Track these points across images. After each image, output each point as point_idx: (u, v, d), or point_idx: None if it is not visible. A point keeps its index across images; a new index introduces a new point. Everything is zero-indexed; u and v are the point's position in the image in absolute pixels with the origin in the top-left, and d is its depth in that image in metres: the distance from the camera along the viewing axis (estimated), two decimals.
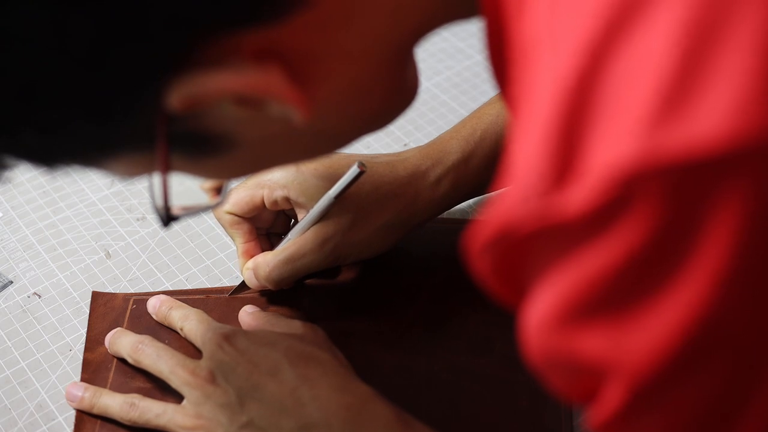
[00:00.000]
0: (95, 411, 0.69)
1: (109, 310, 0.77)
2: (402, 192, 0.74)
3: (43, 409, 0.72)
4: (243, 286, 0.78)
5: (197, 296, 0.78)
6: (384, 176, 0.74)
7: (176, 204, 0.50)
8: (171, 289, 0.80)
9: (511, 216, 0.36)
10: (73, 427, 0.70)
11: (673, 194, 0.33)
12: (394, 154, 0.77)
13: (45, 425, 0.71)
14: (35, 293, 0.80)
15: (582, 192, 0.34)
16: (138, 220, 0.86)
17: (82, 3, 0.38)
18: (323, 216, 0.73)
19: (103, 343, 0.74)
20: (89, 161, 0.47)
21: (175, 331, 0.74)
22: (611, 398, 0.39)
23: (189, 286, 0.80)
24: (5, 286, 0.81)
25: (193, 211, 0.53)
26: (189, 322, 0.72)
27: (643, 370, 0.37)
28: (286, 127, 0.45)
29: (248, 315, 0.74)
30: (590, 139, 0.34)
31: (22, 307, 0.79)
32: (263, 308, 0.76)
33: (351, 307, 0.77)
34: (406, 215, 0.75)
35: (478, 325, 0.75)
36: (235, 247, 0.83)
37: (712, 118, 0.32)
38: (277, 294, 0.78)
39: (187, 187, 0.51)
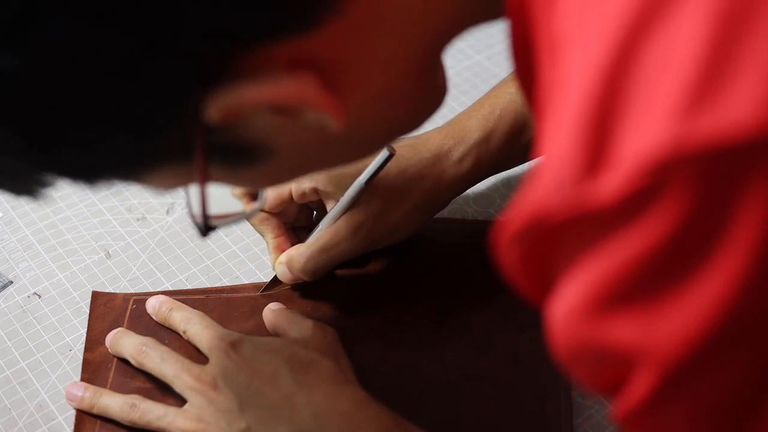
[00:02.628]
0: (95, 411, 0.69)
1: (109, 310, 0.77)
2: (428, 173, 0.75)
3: (43, 409, 0.72)
4: (275, 281, 0.78)
5: (197, 296, 0.78)
6: (408, 159, 0.75)
7: (210, 212, 0.51)
8: (171, 289, 0.80)
9: (543, 205, 0.37)
10: (73, 427, 0.70)
11: (704, 182, 0.33)
12: (414, 137, 0.78)
13: (45, 425, 0.71)
14: (35, 293, 0.80)
15: (614, 180, 0.34)
16: (138, 220, 0.86)
17: (120, 19, 0.38)
18: (354, 203, 0.74)
19: (103, 343, 0.74)
20: (129, 176, 0.47)
21: (176, 332, 0.74)
22: (639, 386, 0.39)
23: (189, 286, 0.80)
24: (5, 286, 0.81)
25: (232, 219, 0.54)
26: (193, 325, 0.72)
27: (673, 357, 0.37)
28: (321, 134, 0.46)
29: (271, 312, 0.74)
30: (622, 128, 0.35)
31: (22, 307, 0.79)
32: (257, 310, 0.76)
33: (351, 308, 0.77)
34: (433, 195, 0.76)
35: (479, 325, 0.75)
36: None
37: (742, 106, 0.32)
38: (277, 297, 0.78)
39: (218, 195, 0.51)
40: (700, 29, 0.34)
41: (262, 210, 0.76)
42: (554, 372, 0.71)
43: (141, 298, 0.78)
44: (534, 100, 0.43)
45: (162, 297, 0.76)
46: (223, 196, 0.52)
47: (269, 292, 0.78)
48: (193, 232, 0.84)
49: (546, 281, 0.40)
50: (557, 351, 0.42)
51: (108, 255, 0.83)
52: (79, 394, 0.70)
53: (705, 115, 0.33)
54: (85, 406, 0.70)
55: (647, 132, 0.34)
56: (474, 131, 0.77)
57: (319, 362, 0.68)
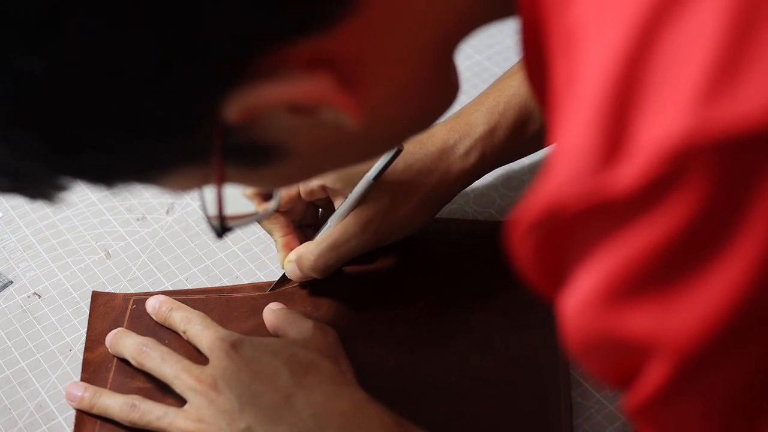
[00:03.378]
0: (95, 411, 0.70)
1: (109, 310, 0.77)
2: (434, 167, 0.76)
3: (43, 409, 0.72)
4: (283, 280, 0.78)
5: (197, 296, 0.78)
6: (414, 153, 0.76)
7: (213, 213, 0.51)
8: (171, 289, 0.80)
9: (559, 195, 0.37)
10: (73, 427, 0.70)
11: (721, 171, 0.34)
12: None
13: (45, 425, 0.71)
14: (35, 293, 0.80)
15: (632, 169, 0.35)
16: (138, 220, 0.86)
17: (143, 22, 0.38)
18: (362, 199, 0.74)
19: (104, 343, 0.74)
20: (147, 178, 0.48)
21: (176, 332, 0.74)
22: (653, 378, 0.39)
23: (189, 286, 0.80)
24: (5, 286, 0.81)
25: (247, 220, 0.55)
26: (193, 326, 0.72)
27: (688, 348, 0.37)
28: (338, 134, 0.46)
29: (271, 312, 0.74)
30: (640, 117, 0.35)
31: (22, 307, 0.79)
32: (257, 310, 0.76)
33: (351, 309, 0.77)
34: (440, 189, 0.77)
35: (479, 325, 0.75)
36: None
37: (760, 95, 0.33)
38: (276, 297, 0.78)
39: (230, 196, 0.51)
40: (718, 19, 0.34)
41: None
42: (554, 372, 0.71)
43: (141, 298, 0.78)
44: (547, 94, 0.43)
45: (162, 297, 0.76)
46: (235, 197, 0.52)
47: (276, 291, 0.78)
48: (193, 231, 0.84)
49: (559, 274, 0.40)
50: (570, 343, 0.42)
51: (108, 255, 0.83)
52: (79, 394, 0.70)
53: (723, 104, 0.33)
54: (84, 406, 0.70)
55: (665, 121, 0.34)
56: (479, 125, 0.77)
57: (319, 363, 0.68)
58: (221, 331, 0.71)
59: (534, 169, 0.88)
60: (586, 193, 0.36)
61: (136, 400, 0.69)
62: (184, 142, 0.44)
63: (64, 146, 0.43)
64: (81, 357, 0.74)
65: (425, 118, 0.53)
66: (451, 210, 0.83)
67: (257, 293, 0.79)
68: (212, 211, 0.51)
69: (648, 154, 0.34)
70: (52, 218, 0.86)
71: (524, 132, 0.78)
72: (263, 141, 0.45)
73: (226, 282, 0.81)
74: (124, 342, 0.72)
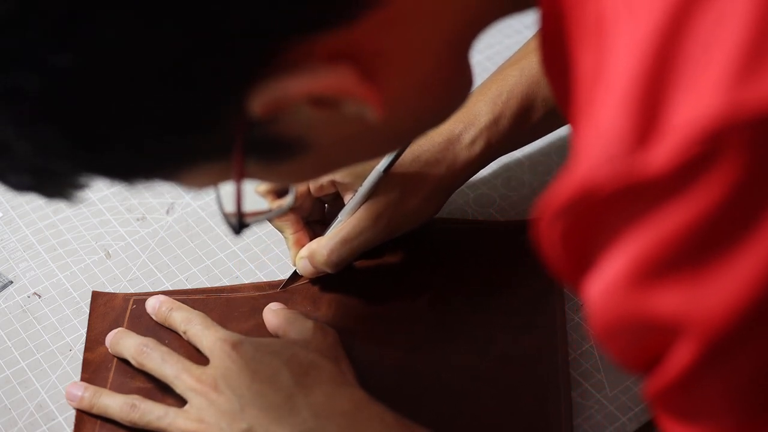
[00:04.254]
0: (95, 411, 0.69)
1: (109, 310, 0.77)
2: (441, 157, 0.77)
3: (43, 409, 0.72)
4: (294, 277, 0.78)
5: (197, 296, 0.78)
6: (421, 145, 0.77)
7: (230, 210, 0.51)
8: (171, 289, 0.80)
9: (593, 177, 0.37)
10: (73, 427, 0.70)
11: (754, 150, 0.34)
12: None
13: (45, 425, 0.71)
14: (35, 293, 0.80)
15: (666, 149, 0.35)
16: (138, 220, 0.86)
17: (169, 16, 0.39)
18: (372, 192, 0.74)
19: (104, 343, 0.74)
20: (167, 174, 0.48)
21: (176, 332, 0.74)
22: (681, 357, 0.40)
23: (189, 286, 0.80)
24: (5, 286, 0.81)
25: (265, 216, 0.55)
26: (193, 326, 0.72)
27: (716, 326, 0.38)
28: (359, 127, 0.46)
29: (271, 312, 0.74)
30: (673, 99, 0.36)
31: (22, 307, 0.79)
32: (257, 310, 0.76)
33: (351, 308, 0.77)
34: (447, 180, 0.77)
35: (478, 326, 0.75)
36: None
37: None
38: (276, 297, 0.78)
39: (244, 193, 0.51)
40: (749, 1, 0.34)
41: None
42: (554, 372, 0.71)
43: (141, 298, 0.78)
44: (571, 81, 0.43)
45: (162, 297, 0.76)
46: (248, 194, 0.52)
47: (276, 291, 0.78)
48: (193, 231, 0.84)
49: (585, 259, 0.41)
50: (595, 327, 0.42)
51: (108, 255, 0.83)
52: (79, 393, 0.70)
53: (755, 84, 0.33)
54: (84, 406, 0.70)
55: (698, 102, 0.34)
56: (483, 114, 0.78)
57: (320, 363, 0.68)
58: (222, 332, 0.71)
59: (534, 169, 0.88)
60: (620, 174, 0.36)
61: (136, 400, 0.69)
62: (208, 138, 0.44)
63: (88, 142, 0.43)
64: (81, 357, 0.74)
65: (441, 112, 0.53)
66: (451, 210, 0.83)
67: (257, 293, 0.79)
68: (229, 207, 0.51)
69: (681, 135, 0.35)
70: (52, 218, 0.86)
71: (527, 120, 0.79)
72: (285, 135, 0.46)
73: (226, 282, 0.81)
74: (124, 342, 0.72)
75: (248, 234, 0.84)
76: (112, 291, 0.80)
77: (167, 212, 0.87)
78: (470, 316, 0.76)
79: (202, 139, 0.44)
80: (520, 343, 0.73)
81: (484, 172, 0.86)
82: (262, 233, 0.84)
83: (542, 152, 0.90)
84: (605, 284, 0.40)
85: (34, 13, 0.38)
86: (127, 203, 0.88)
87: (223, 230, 0.84)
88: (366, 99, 0.44)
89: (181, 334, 0.73)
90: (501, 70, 0.80)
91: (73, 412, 0.71)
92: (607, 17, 0.39)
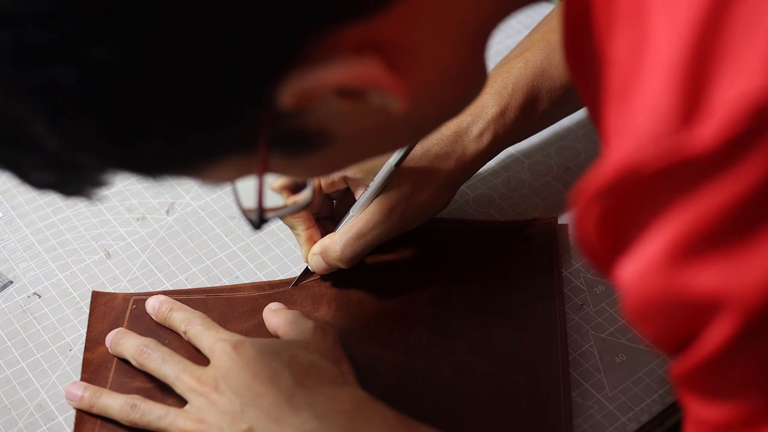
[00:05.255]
0: (95, 411, 0.70)
1: (109, 310, 0.77)
2: (450, 150, 0.77)
3: (43, 409, 0.72)
4: (306, 273, 0.79)
5: (197, 296, 0.78)
6: (430, 138, 0.77)
7: (249, 206, 0.52)
8: (171, 289, 0.80)
9: (639, 156, 0.38)
10: (73, 427, 0.70)
11: None
12: None
13: (45, 425, 0.71)
14: (35, 293, 0.80)
15: (712, 127, 0.36)
16: (138, 220, 0.86)
17: (207, 8, 0.39)
18: (384, 187, 0.75)
19: (104, 343, 0.74)
20: (193, 169, 0.48)
21: (176, 332, 0.74)
22: (718, 333, 0.40)
23: (189, 286, 0.80)
24: (5, 286, 0.81)
25: (284, 211, 0.56)
26: (194, 327, 0.72)
27: (756, 301, 0.38)
28: (382, 119, 0.47)
29: (271, 312, 0.74)
30: (718, 78, 0.36)
31: (22, 307, 0.79)
32: (257, 310, 0.76)
33: (351, 308, 0.77)
34: (457, 172, 0.78)
35: (477, 326, 0.75)
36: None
37: None
38: (276, 297, 0.78)
39: (252, 191, 0.51)
40: None
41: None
42: (554, 372, 0.71)
43: (141, 298, 0.78)
44: (603, 65, 0.44)
45: (162, 297, 0.76)
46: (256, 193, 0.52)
47: (277, 291, 0.78)
48: (193, 231, 0.84)
49: (621, 241, 0.41)
50: (629, 308, 0.42)
51: (108, 255, 0.83)
52: (79, 393, 0.70)
53: None
54: (84, 405, 0.70)
55: (743, 80, 0.35)
56: (489, 107, 0.78)
57: (320, 364, 0.68)
58: (222, 333, 0.71)
59: (534, 169, 0.88)
60: (666, 152, 0.37)
61: (136, 400, 0.69)
62: (237, 130, 0.45)
63: (121, 136, 0.43)
64: (81, 357, 0.74)
65: (459, 103, 0.54)
66: (451, 210, 0.83)
67: (257, 293, 0.79)
68: (247, 203, 0.51)
69: (727, 112, 0.35)
70: (52, 218, 0.86)
71: (533, 111, 0.79)
72: (310, 127, 0.46)
73: (226, 282, 0.81)
74: (125, 342, 0.72)
75: (248, 234, 0.84)
76: (112, 291, 0.80)
77: (167, 212, 0.87)
78: (470, 316, 0.76)
79: (231, 132, 0.45)
80: (519, 343, 0.73)
81: (484, 172, 0.86)
82: (262, 233, 0.84)
83: (542, 152, 0.90)
84: (643, 264, 0.40)
85: (72, 5, 0.38)
86: (127, 203, 0.88)
87: (223, 230, 0.85)
88: (392, 89, 0.44)
89: (182, 334, 0.73)
90: (505, 62, 0.81)
91: (73, 412, 0.71)
92: (648, 1, 0.40)
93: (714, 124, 0.36)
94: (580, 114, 0.93)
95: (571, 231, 0.43)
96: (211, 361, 0.69)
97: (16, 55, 0.39)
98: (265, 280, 0.81)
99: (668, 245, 0.39)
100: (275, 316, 0.74)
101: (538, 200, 0.86)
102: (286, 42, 0.41)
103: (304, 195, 0.61)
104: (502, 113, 0.78)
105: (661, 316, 0.42)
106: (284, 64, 0.42)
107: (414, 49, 0.45)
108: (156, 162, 0.46)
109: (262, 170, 0.47)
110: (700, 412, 0.46)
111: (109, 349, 0.73)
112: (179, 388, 0.68)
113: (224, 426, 0.65)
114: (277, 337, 0.73)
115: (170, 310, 0.74)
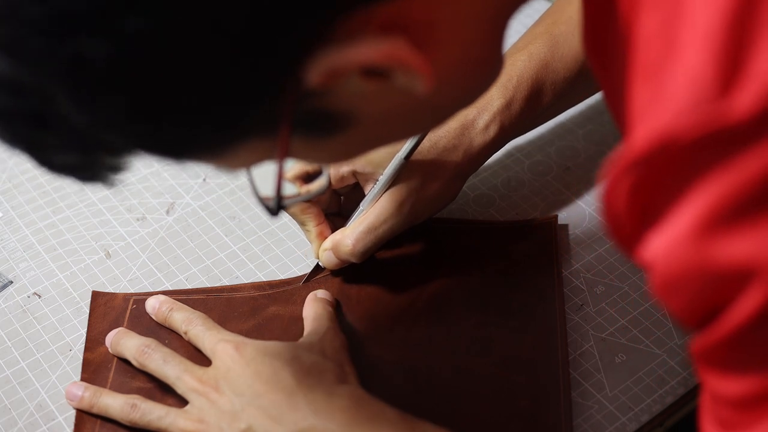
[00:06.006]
0: (95, 411, 0.70)
1: (109, 310, 0.77)
2: (457, 143, 0.78)
3: (43, 409, 0.72)
4: (317, 270, 0.79)
5: (197, 296, 0.78)
6: (437, 131, 0.78)
7: (266, 194, 0.52)
8: (171, 289, 0.80)
9: (676, 125, 0.38)
10: (73, 427, 0.70)
11: None
12: None
13: (45, 425, 0.71)
14: (35, 293, 0.80)
15: (749, 96, 0.36)
16: (138, 220, 0.86)
17: None
18: (394, 180, 0.75)
19: (104, 343, 0.74)
20: (215, 151, 0.47)
21: (176, 332, 0.74)
22: (747, 304, 0.40)
23: (189, 286, 0.80)
24: (5, 286, 0.81)
25: (300, 198, 0.55)
26: (194, 327, 0.72)
27: None
28: (405, 101, 0.47)
29: (310, 300, 0.75)
30: (756, 47, 0.37)
31: (22, 307, 0.79)
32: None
33: (351, 308, 0.77)
34: (465, 163, 0.79)
35: (478, 326, 0.75)
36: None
37: None
38: (276, 297, 0.78)
39: (269, 178, 0.51)
40: None
41: (297, 204, 0.77)
42: (554, 372, 0.71)
43: (141, 298, 0.78)
44: (629, 44, 0.44)
45: (162, 297, 0.76)
46: (272, 180, 0.52)
47: (278, 291, 0.78)
48: (193, 231, 0.84)
49: (651, 214, 0.41)
50: (657, 282, 0.43)
51: (108, 255, 0.83)
52: (79, 393, 0.70)
53: None
54: (84, 405, 0.70)
55: None
56: (495, 99, 0.78)
57: (322, 364, 0.68)
58: (224, 333, 0.71)
59: (534, 169, 0.88)
60: (703, 120, 0.37)
61: (136, 400, 0.69)
62: (264, 109, 0.44)
63: (149, 114, 0.42)
64: (81, 357, 0.74)
65: (477, 89, 0.54)
66: (451, 210, 0.83)
67: (257, 293, 0.79)
68: (264, 190, 0.52)
69: (764, 82, 0.36)
70: (52, 218, 0.86)
71: (538, 104, 0.80)
72: (333, 108, 0.46)
73: (226, 282, 0.81)
74: (125, 342, 0.72)
75: (248, 234, 0.84)
76: (112, 291, 0.80)
77: (167, 212, 0.87)
78: (470, 316, 0.76)
79: (258, 111, 0.44)
80: (519, 344, 0.73)
81: (484, 172, 0.86)
82: (261, 233, 0.84)
83: (542, 152, 0.90)
84: (673, 236, 0.40)
85: None
86: (127, 203, 0.88)
87: (223, 230, 0.85)
88: (418, 68, 0.44)
89: (182, 334, 0.73)
90: (509, 55, 0.81)
91: (73, 412, 0.70)
92: None
93: (751, 93, 0.36)
94: (580, 114, 0.93)
95: (600, 205, 0.44)
96: (213, 362, 0.69)
97: (46, 26, 0.39)
98: (265, 280, 0.80)
99: (700, 216, 0.39)
100: (309, 306, 0.74)
101: (538, 200, 0.86)
102: (317, 19, 0.41)
103: (320, 182, 0.61)
104: (508, 105, 0.78)
105: (690, 289, 0.42)
106: (314, 40, 0.42)
107: (438, 30, 0.46)
108: (181, 143, 0.46)
109: (283, 154, 0.47)
110: (719, 387, 0.46)
111: (110, 349, 0.73)
112: (180, 389, 0.68)
113: (223, 425, 0.65)
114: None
115: (170, 311, 0.74)
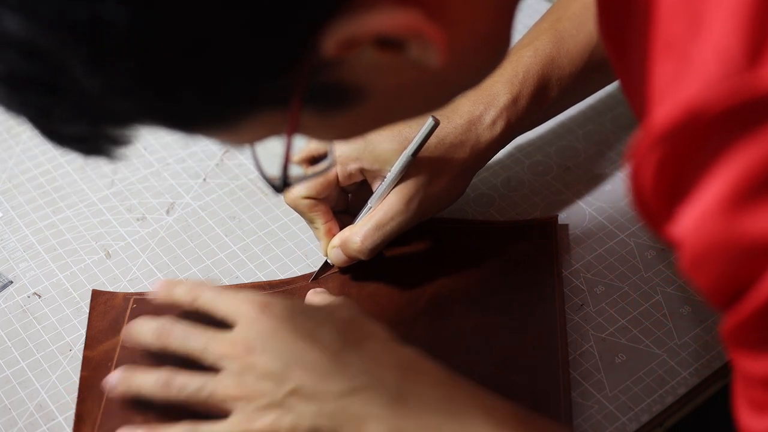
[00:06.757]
0: (130, 392, 0.67)
1: (109, 309, 0.77)
2: (465, 139, 0.78)
3: (43, 409, 0.72)
4: (325, 267, 0.79)
5: None
6: (444, 127, 0.78)
7: (271, 173, 0.52)
8: None
9: (705, 96, 0.38)
10: (72, 427, 0.70)
11: None
12: None
13: (45, 425, 0.71)
14: (35, 293, 0.80)
15: None
16: (138, 220, 0.86)
17: None
18: (401, 177, 0.75)
19: (104, 341, 0.74)
20: (226, 124, 0.47)
21: (177, 325, 0.74)
22: None
23: None
24: (5, 286, 0.81)
25: (308, 177, 0.55)
26: (203, 293, 0.69)
27: None
28: (417, 75, 0.47)
29: (314, 294, 0.74)
30: None
31: (22, 307, 0.79)
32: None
33: None
34: (473, 159, 0.79)
35: (478, 326, 0.75)
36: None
37: None
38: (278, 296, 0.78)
39: (273, 156, 0.51)
40: None
41: (311, 198, 0.77)
42: (554, 372, 0.71)
43: (141, 298, 0.78)
44: (650, 24, 0.44)
45: (161, 282, 0.72)
46: (277, 159, 0.52)
47: (279, 290, 0.78)
48: (193, 231, 0.84)
49: (679, 189, 0.41)
50: (687, 257, 0.43)
51: (108, 255, 0.83)
52: (113, 382, 0.68)
53: None
54: (120, 390, 0.68)
55: None
56: (501, 95, 0.79)
57: (360, 320, 0.67)
58: (242, 293, 0.68)
59: (534, 169, 0.88)
60: (732, 92, 0.38)
61: (171, 374, 0.66)
62: (278, 80, 0.44)
63: (163, 81, 0.42)
64: (81, 357, 0.74)
65: (485, 67, 0.54)
66: (451, 210, 0.83)
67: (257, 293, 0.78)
68: (270, 169, 0.51)
69: None
70: (52, 218, 0.86)
71: (544, 99, 0.80)
72: (346, 81, 0.46)
73: (226, 282, 0.81)
74: (141, 328, 0.69)
75: (248, 234, 0.84)
76: (112, 291, 0.80)
77: (167, 212, 0.87)
78: (470, 317, 0.76)
79: (272, 81, 0.44)
80: (519, 344, 0.73)
81: (484, 172, 0.86)
82: (261, 233, 0.84)
83: (542, 152, 0.90)
84: (702, 210, 0.40)
85: None
86: (127, 203, 0.88)
87: (223, 230, 0.85)
88: (433, 40, 0.44)
89: (189, 304, 0.70)
90: (514, 51, 0.81)
91: (73, 412, 0.70)
92: None
93: None
94: (581, 114, 0.93)
95: (626, 184, 0.44)
96: (239, 324, 0.66)
97: None
98: (265, 280, 0.81)
99: (729, 188, 0.39)
100: (312, 298, 0.73)
101: (538, 200, 0.86)
102: None
103: (326, 162, 0.60)
104: (514, 101, 0.79)
105: (719, 264, 0.42)
106: (332, 9, 0.42)
107: (450, 5, 0.46)
108: (192, 113, 0.45)
109: (293, 128, 0.47)
110: (749, 368, 0.45)
111: (126, 342, 0.71)
112: (209, 359, 0.65)
113: (266, 387, 0.63)
114: None
115: (172, 287, 0.71)
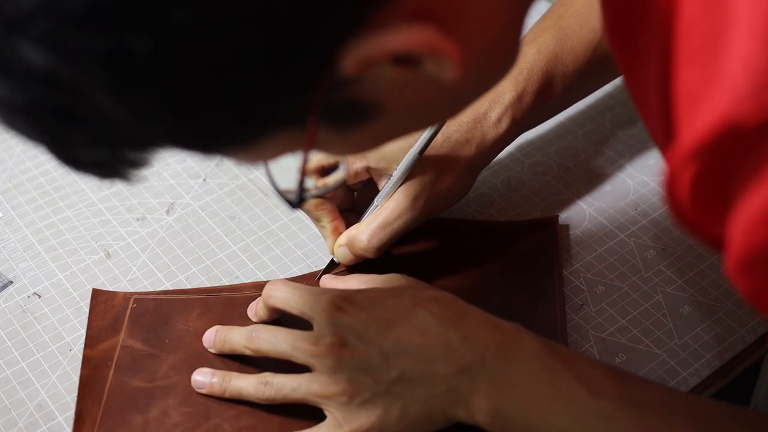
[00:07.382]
0: (227, 395, 0.69)
1: (109, 308, 0.77)
2: (470, 137, 0.78)
3: (43, 409, 0.72)
4: (331, 266, 0.79)
5: (197, 296, 0.78)
6: (450, 125, 0.78)
7: (285, 187, 0.52)
8: (171, 289, 0.80)
9: (738, 111, 0.39)
10: (72, 427, 0.70)
11: None
12: None
13: (45, 425, 0.71)
14: (35, 293, 0.80)
15: None
16: (138, 220, 0.86)
17: None
18: (408, 175, 0.76)
19: (104, 340, 0.74)
20: (245, 144, 0.47)
21: (176, 331, 0.74)
22: None
23: (189, 286, 0.80)
24: (5, 286, 0.81)
25: (321, 190, 0.57)
26: (277, 291, 0.70)
27: None
28: (432, 89, 0.47)
29: (332, 280, 0.75)
30: None
31: (22, 307, 0.79)
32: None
33: None
34: (479, 157, 0.79)
35: None
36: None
37: None
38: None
39: (286, 171, 0.52)
40: None
41: (318, 196, 0.77)
42: None
43: (141, 297, 0.78)
44: (673, 33, 0.45)
45: (214, 328, 0.74)
46: (292, 173, 0.52)
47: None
48: (193, 231, 0.84)
49: (719, 200, 0.42)
50: (733, 262, 0.43)
51: (108, 255, 0.83)
52: (207, 381, 0.69)
53: None
54: (216, 391, 0.69)
55: None
56: (506, 92, 0.79)
57: (442, 297, 0.67)
58: (318, 290, 0.69)
59: (534, 169, 0.88)
60: (765, 107, 0.38)
61: (267, 377, 0.67)
62: (299, 100, 0.44)
63: (187, 106, 0.42)
64: (81, 357, 0.74)
65: (496, 77, 0.54)
66: (451, 210, 0.83)
67: (257, 293, 0.78)
68: (284, 183, 0.52)
69: None
70: (52, 218, 0.86)
71: (548, 96, 0.80)
72: (363, 98, 0.46)
73: (226, 282, 0.81)
74: (231, 337, 0.71)
75: (248, 234, 0.84)
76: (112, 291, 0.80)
77: (167, 212, 0.87)
78: None
79: (294, 103, 0.44)
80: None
81: (484, 172, 0.86)
82: (261, 233, 0.84)
83: (542, 152, 0.90)
84: (751, 215, 0.41)
85: None
86: (127, 203, 0.88)
87: (223, 230, 0.85)
88: (449, 55, 0.44)
89: (252, 317, 0.73)
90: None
91: (73, 412, 0.70)
92: None
93: None
94: (581, 114, 0.93)
95: (662, 195, 0.45)
96: (320, 321, 0.66)
97: (90, 20, 0.38)
98: (265, 280, 0.80)
99: None
100: (343, 282, 0.74)
101: (538, 200, 0.86)
102: (352, 7, 0.41)
103: (337, 175, 0.61)
104: (519, 98, 0.79)
105: (765, 270, 0.43)
106: (350, 29, 0.42)
107: (464, 18, 0.46)
108: (213, 135, 0.46)
109: (309, 145, 0.47)
110: None
111: (213, 349, 0.72)
112: (299, 358, 0.66)
113: (368, 381, 0.64)
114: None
115: (226, 334, 0.72)
